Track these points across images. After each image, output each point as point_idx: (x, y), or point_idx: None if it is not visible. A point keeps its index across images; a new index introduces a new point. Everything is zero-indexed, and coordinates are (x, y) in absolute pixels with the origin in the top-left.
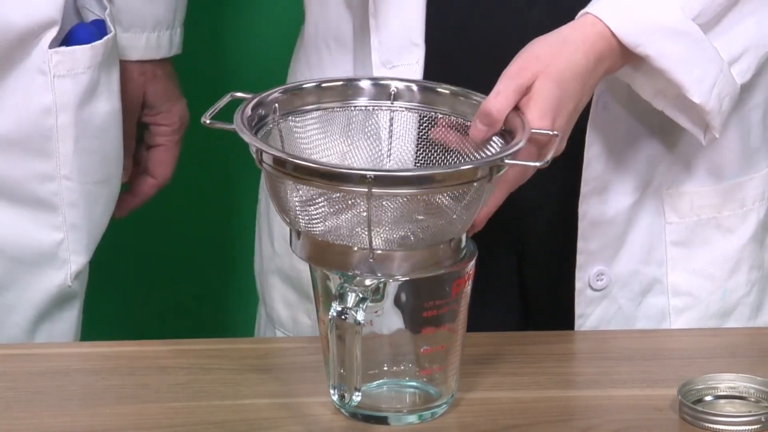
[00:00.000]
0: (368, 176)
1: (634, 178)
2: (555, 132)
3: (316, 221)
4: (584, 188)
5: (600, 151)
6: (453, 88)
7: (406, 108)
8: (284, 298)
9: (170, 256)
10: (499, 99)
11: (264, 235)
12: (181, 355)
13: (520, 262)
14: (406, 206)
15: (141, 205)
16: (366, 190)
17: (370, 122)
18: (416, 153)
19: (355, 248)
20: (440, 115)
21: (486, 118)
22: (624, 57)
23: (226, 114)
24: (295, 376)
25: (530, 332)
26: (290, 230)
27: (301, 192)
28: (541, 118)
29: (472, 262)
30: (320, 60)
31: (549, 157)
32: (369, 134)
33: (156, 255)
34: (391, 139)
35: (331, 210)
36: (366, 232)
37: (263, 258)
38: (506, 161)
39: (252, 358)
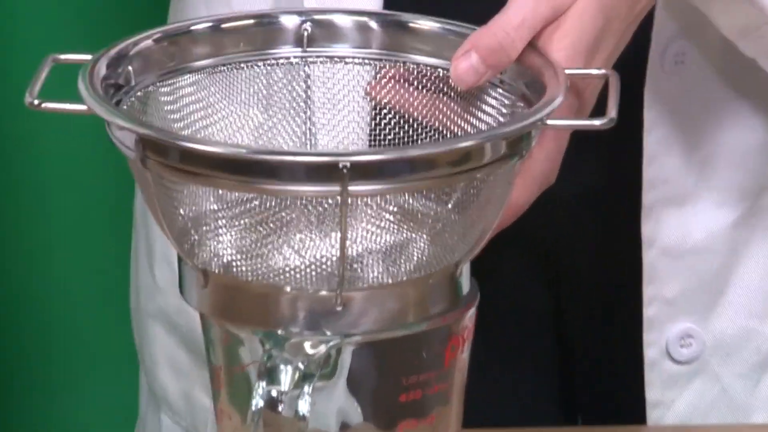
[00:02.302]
0: (341, 164)
1: (732, 181)
2: (603, 71)
3: (230, 246)
4: (648, 196)
5: (671, 137)
6: (431, 20)
7: (330, 57)
8: (170, 358)
9: None
10: (523, 28)
11: (141, 255)
12: None
13: (556, 311)
14: (394, 210)
15: None
16: (338, 188)
17: (283, 85)
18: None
19: (289, 289)
20: (391, 64)
21: (495, 54)
22: None
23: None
24: None
25: (578, 428)
26: (179, 265)
27: (214, 200)
28: (571, 58)
29: (473, 310)
30: None
31: (613, 113)
32: (281, 105)
33: None
34: (309, 111)
35: (261, 225)
36: (317, 259)
37: (139, 291)
38: (547, 121)
39: None
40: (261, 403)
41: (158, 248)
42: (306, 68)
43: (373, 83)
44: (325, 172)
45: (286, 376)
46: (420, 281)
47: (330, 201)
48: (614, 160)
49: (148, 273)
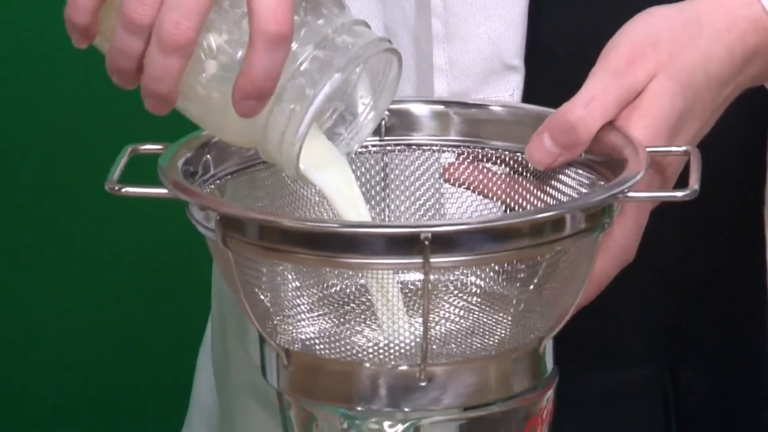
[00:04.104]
0: (423, 236)
1: None
2: (684, 148)
3: (312, 326)
4: None
5: None
6: (508, 105)
7: (408, 145)
8: (264, 430)
9: None
10: (594, 107)
11: (229, 331)
12: None
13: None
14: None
15: None
16: (420, 260)
17: (361, 173)
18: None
19: (371, 366)
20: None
21: (566, 134)
22: None
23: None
24: None
25: None
26: (260, 346)
27: (295, 278)
28: (652, 138)
29: (551, 391)
30: None
31: (696, 184)
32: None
33: None
34: (388, 198)
35: (342, 306)
36: (400, 333)
37: (229, 364)
38: (629, 194)
39: None
40: None
41: (252, 328)
42: (385, 157)
43: (452, 165)
44: (406, 243)
45: None
46: (503, 357)
47: (411, 286)
48: (737, 251)
49: (240, 348)
